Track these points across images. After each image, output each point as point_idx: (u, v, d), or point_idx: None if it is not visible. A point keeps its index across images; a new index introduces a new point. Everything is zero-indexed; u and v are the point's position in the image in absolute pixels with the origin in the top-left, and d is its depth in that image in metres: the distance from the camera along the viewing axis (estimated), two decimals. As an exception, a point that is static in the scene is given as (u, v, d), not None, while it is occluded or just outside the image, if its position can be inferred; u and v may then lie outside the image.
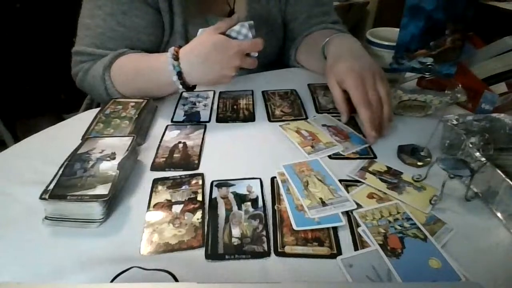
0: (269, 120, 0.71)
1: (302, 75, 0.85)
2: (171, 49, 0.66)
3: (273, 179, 0.54)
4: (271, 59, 0.93)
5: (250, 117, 0.71)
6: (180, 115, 0.72)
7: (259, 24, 0.87)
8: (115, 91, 0.73)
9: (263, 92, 0.80)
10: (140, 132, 0.64)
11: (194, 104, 0.76)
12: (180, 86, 0.68)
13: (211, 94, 0.79)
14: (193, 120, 0.70)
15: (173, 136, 0.65)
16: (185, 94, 0.79)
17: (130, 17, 0.73)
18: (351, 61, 0.65)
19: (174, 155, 0.60)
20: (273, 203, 0.50)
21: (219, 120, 0.71)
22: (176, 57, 0.65)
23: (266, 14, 0.89)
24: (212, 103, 0.76)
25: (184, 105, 0.75)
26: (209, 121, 0.70)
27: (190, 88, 0.70)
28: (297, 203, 0.49)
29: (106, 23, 0.73)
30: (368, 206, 0.49)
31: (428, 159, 0.58)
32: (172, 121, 0.70)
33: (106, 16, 0.73)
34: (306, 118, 0.71)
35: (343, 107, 0.65)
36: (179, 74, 0.66)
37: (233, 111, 0.73)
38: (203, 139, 0.64)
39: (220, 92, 0.80)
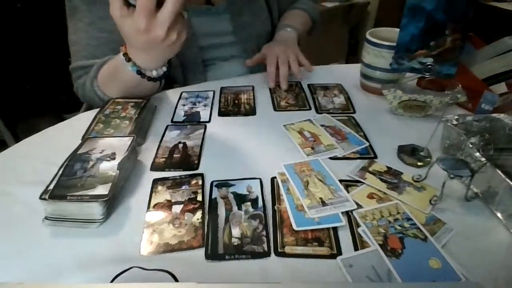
0: (274, 110, 0.74)
1: (302, 75, 0.85)
2: (121, 50, 0.64)
3: (273, 179, 0.54)
4: (260, 43, 0.92)
5: (251, 111, 0.73)
6: (180, 115, 0.72)
7: (242, 8, 0.89)
8: (108, 98, 0.72)
9: None
10: (140, 132, 0.64)
11: (194, 104, 0.76)
12: (152, 80, 0.66)
13: (211, 94, 0.79)
14: (193, 120, 0.70)
15: (173, 136, 0.65)
16: (185, 94, 0.79)
17: (108, 20, 0.72)
18: (274, 42, 0.90)
19: (174, 155, 0.60)
20: (273, 203, 0.50)
21: (221, 114, 0.72)
22: (128, 58, 0.63)
23: None
24: (212, 103, 0.76)
25: (184, 105, 0.75)
26: (209, 121, 0.70)
27: (165, 75, 0.68)
28: (297, 203, 0.49)
29: (88, 33, 0.74)
30: (368, 206, 0.49)
31: (428, 159, 0.58)
32: (172, 121, 0.70)
33: (87, 27, 0.74)
34: (310, 109, 0.74)
35: (254, 60, 0.87)
36: (141, 72, 0.64)
37: (234, 106, 0.75)
38: (203, 139, 0.64)
39: (222, 88, 0.82)
